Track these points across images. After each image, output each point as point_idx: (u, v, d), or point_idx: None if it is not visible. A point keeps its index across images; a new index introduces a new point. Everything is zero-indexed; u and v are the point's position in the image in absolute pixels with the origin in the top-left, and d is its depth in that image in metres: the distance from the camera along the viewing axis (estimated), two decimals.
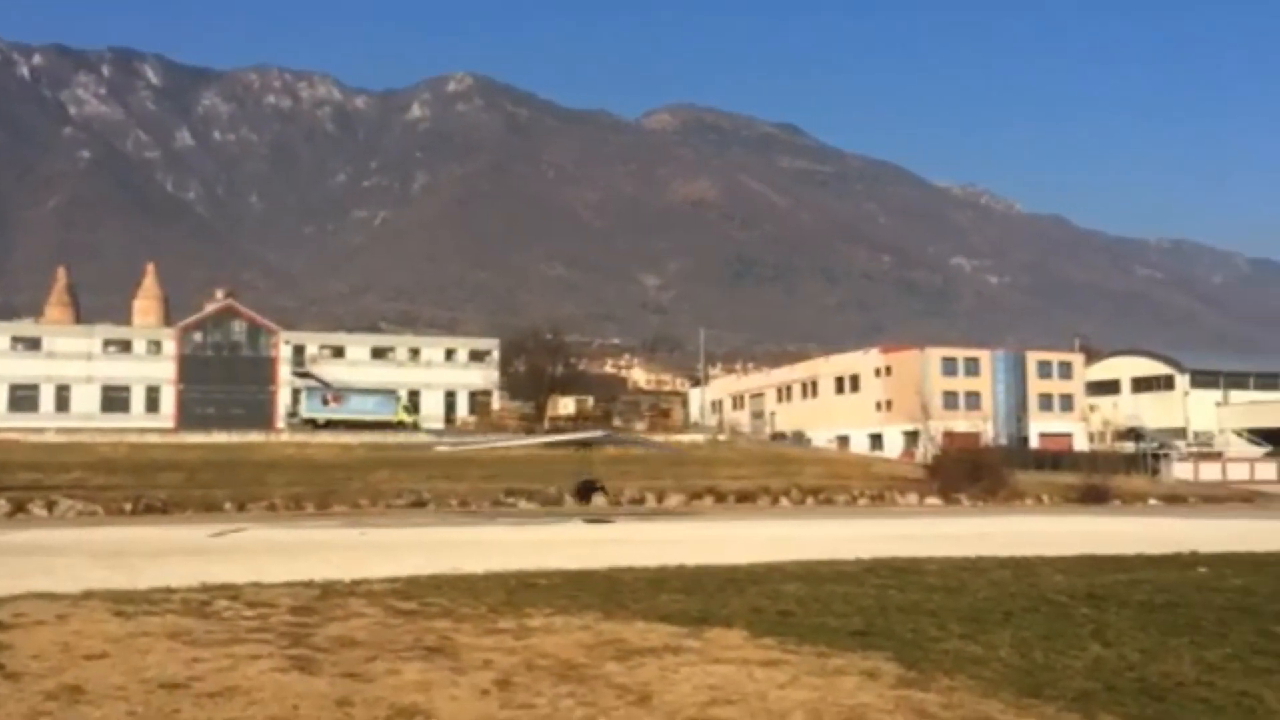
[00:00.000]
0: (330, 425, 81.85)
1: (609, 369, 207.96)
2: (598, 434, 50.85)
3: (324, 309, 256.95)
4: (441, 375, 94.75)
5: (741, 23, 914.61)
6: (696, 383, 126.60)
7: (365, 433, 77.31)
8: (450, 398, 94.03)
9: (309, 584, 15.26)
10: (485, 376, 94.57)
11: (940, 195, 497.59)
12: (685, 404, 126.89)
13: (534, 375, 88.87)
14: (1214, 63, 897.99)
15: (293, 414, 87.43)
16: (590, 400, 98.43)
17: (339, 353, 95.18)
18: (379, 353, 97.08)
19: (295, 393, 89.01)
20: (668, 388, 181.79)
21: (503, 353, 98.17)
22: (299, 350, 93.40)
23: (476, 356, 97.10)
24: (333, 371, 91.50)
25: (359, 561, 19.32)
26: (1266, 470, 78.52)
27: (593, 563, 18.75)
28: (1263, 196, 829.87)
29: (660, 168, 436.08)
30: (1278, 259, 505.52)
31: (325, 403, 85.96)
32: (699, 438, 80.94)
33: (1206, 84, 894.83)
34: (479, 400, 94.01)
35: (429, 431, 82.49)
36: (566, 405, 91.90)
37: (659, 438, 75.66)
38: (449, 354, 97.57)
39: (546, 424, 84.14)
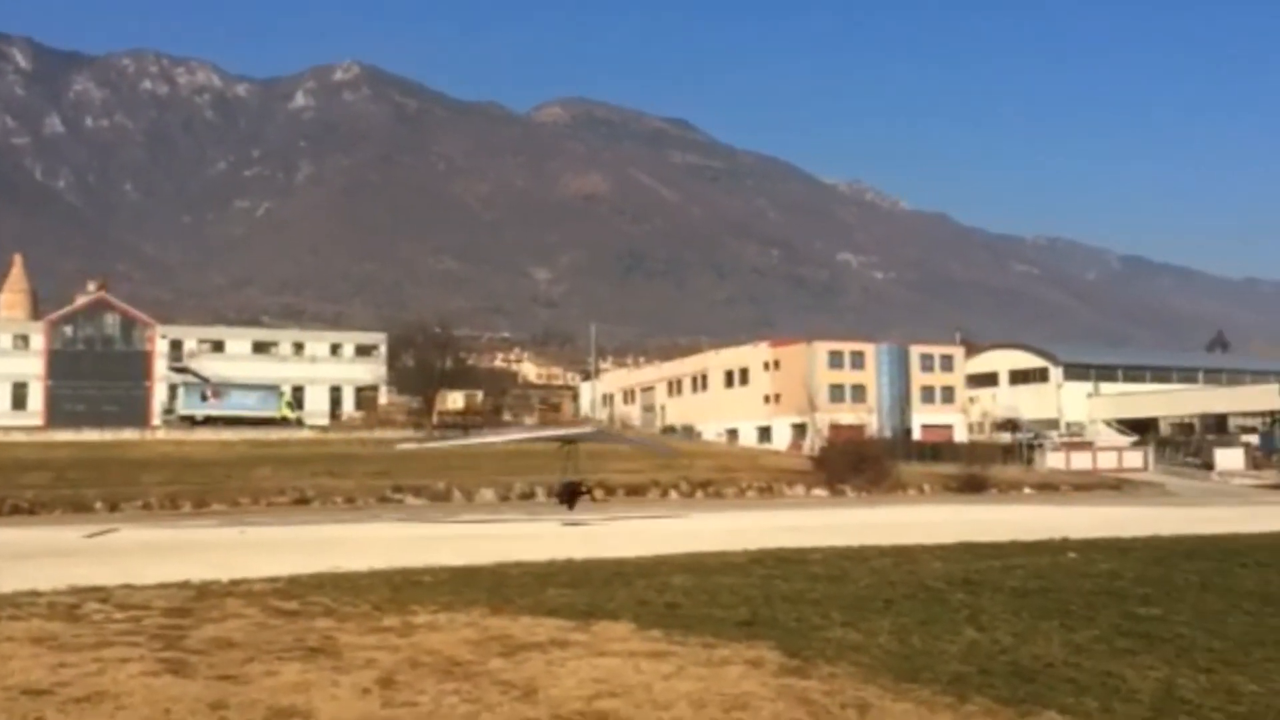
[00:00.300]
0: (209, 422, 79.80)
1: (499, 363, 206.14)
2: (585, 430, 48.61)
3: (203, 302, 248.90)
4: (327, 370, 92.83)
5: (633, 17, 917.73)
6: (587, 376, 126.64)
7: (247, 429, 75.63)
8: (336, 393, 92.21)
9: (184, 585, 14.82)
10: (372, 371, 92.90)
11: (828, 192, 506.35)
12: (576, 398, 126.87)
13: (422, 370, 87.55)
14: (1085, 63, 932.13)
15: (169, 411, 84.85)
16: (480, 395, 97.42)
17: (219, 347, 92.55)
18: (261, 347, 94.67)
19: (172, 389, 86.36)
20: (558, 381, 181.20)
21: (390, 347, 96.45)
22: (176, 345, 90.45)
23: (363, 351, 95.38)
24: (212, 367, 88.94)
25: (238, 561, 18.83)
26: (1134, 459, 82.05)
27: (479, 558, 18.62)
28: (1133, 195, 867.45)
29: (551, 161, 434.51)
30: (1148, 256, 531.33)
31: (204, 399, 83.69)
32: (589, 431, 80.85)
33: (1078, 85, 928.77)
34: (366, 396, 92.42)
35: (313, 428, 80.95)
36: (455, 400, 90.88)
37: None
38: (334, 349, 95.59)
39: (435, 419, 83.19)
